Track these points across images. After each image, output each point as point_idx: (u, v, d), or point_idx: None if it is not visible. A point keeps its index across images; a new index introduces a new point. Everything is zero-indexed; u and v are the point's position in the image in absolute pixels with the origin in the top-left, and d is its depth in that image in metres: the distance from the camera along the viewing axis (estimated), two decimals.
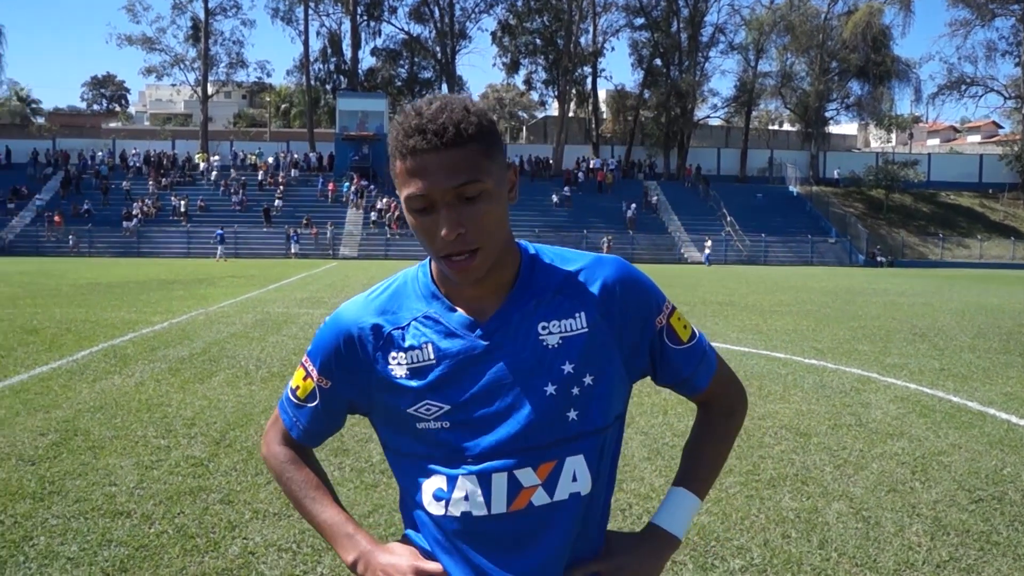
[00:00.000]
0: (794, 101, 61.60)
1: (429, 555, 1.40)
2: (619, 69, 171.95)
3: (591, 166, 56.19)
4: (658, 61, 61.34)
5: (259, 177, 51.90)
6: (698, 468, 1.54)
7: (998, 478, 5.09)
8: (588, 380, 1.36)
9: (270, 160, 54.01)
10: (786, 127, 69.67)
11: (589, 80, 62.69)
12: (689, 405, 6.26)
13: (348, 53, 61.01)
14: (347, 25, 60.41)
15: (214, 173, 52.13)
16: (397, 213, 46.80)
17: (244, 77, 63.66)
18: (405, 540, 1.46)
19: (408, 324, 1.38)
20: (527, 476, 1.33)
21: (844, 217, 51.89)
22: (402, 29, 63.08)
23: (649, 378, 1.49)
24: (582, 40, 60.02)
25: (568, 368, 1.34)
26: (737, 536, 4.08)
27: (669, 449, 5.64)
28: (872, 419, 6.68)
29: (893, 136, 71.89)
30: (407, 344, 1.37)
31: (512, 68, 61.97)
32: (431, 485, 1.37)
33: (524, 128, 77.98)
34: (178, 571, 3.59)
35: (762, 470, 5.20)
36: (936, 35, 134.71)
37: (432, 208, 1.25)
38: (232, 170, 52.64)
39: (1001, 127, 73.61)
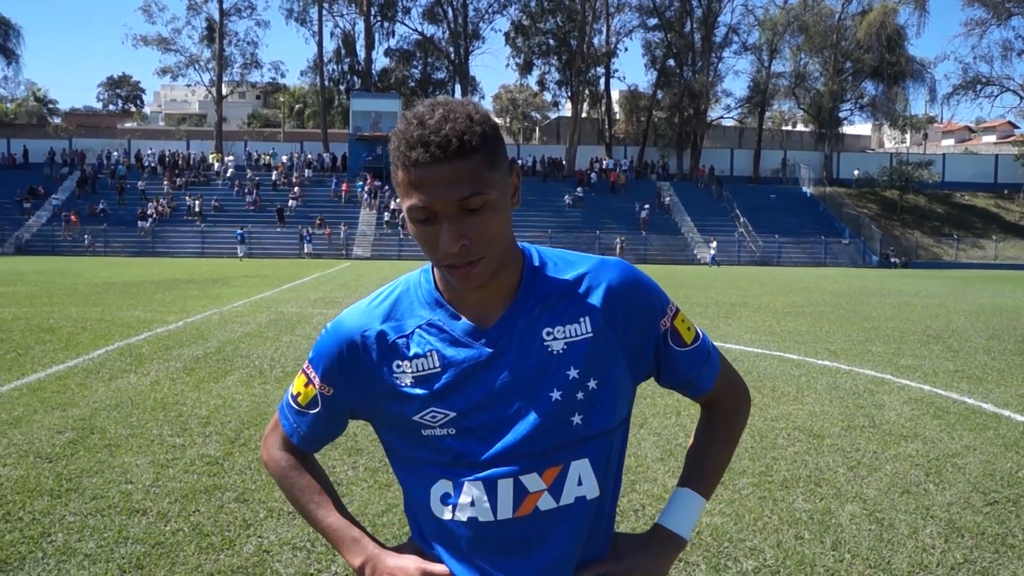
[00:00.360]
0: (808, 101, 61.31)
1: (435, 559, 1.40)
2: (632, 70, 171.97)
3: (604, 167, 56.10)
4: (671, 61, 61.20)
5: (273, 177, 52.13)
6: (703, 468, 1.54)
7: (1013, 480, 5.06)
8: (593, 384, 1.36)
9: (284, 159, 54.24)
10: (799, 128, 69.37)
11: (602, 81, 62.67)
12: None
13: (362, 54, 61.24)
14: (361, 26, 60.66)
15: (230, 171, 52.41)
16: None
17: (258, 78, 64.13)
18: (411, 544, 1.46)
19: (412, 332, 1.37)
20: (533, 481, 1.33)
21: (858, 218, 51.61)
22: (415, 30, 63.25)
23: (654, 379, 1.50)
24: (595, 41, 59.99)
25: (573, 373, 1.34)
26: (750, 537, 4.08)
27: (682, 450, 5.63)
28: (886, 421, 6.66)
29: (907, 136, 71.44)
30: (412, 352, 1.36)
31: (525, 69, 61.94)
32: (437, 490, 1.37)
33: (537, 129, 78.02)
34: (194, 569, 3.62)
35: (775, 471, 5.19)
36: (951, 35, 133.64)
37: (434, 219, 1.23)
38: (248, 170, 52.89)
39: (1017, 127, 73.09)
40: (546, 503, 1.34)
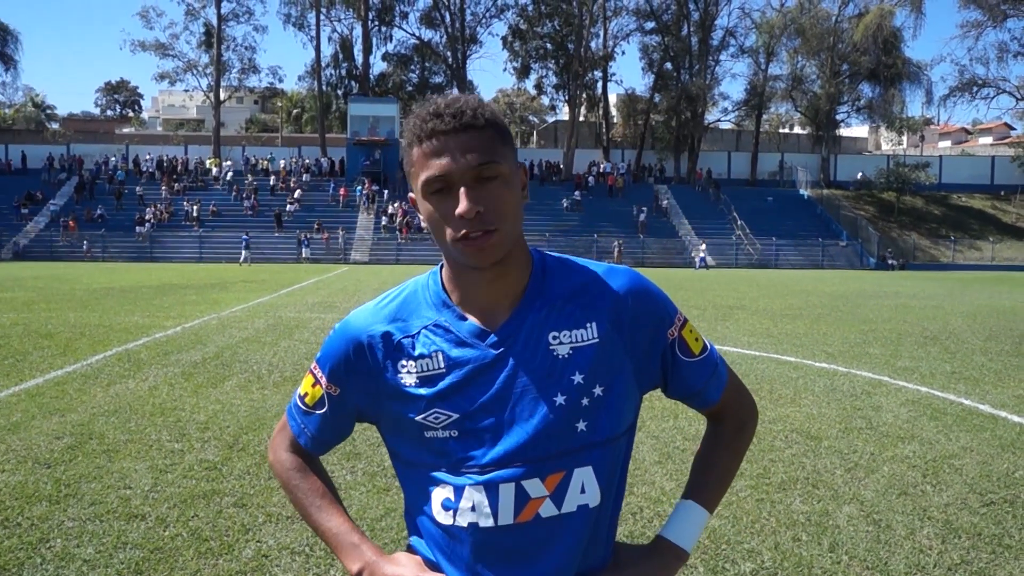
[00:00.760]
0: (805, 104, 61.41)
1: (434, 566, 1.39)
2: (629, 73, 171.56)
3: (602, 170, 56.12)
4: (668, 65, 61.23)
5: (271, 182, 52.14)
6: (708, 481, 1.53)
7: (1010, 481, 5.08)
8: (598, 391, 1.35)
9: (282, 163, 54.25)
10: (797, 130, 69.44)
11: (600, 84, 62.66)
12: None
13: (359, 58, 61.21)
14: (358, 30, 60.67)
15: (230, 174, 52.41)
16: (407, 219, 46.96)
17: (256, 83, 64.01)
18: (410, 550, 1.46)
19: (418, 332, 1.38)
20: (535, 487, 1.32)
21: (855, 220, 51.65)
22: (413, 34, 63.44)
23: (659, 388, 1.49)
24: (592, 44, 60.01)
25: (578, 378, 1.34)
26: (748, 539, 4.09)
27: (680, 453, 5.65)
28: (883, 422, 6.67)
29: (904, 138, 71.57)
30: (417, 352, 1.36)
31: (523, 73, 61.99)
32: (439, 495, 1.36)
33: (535, 133, 77.98)
34: (192, 573, 3.63)
35: (773, 473, 5.20)
36: (947, 37, 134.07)
37: (449, 190, 1.26)
38: (249, 175, 52.89)
39: (1013, 128, 73.15)
40: (548, 510, 1.33)
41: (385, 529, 4.17)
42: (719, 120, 65.90)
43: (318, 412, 1.48)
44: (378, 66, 64.54)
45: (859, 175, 58.10)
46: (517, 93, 77.47)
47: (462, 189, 1.25)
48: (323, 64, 61.10)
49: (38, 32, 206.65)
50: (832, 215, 52.56)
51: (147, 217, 46.46)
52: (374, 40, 61.32)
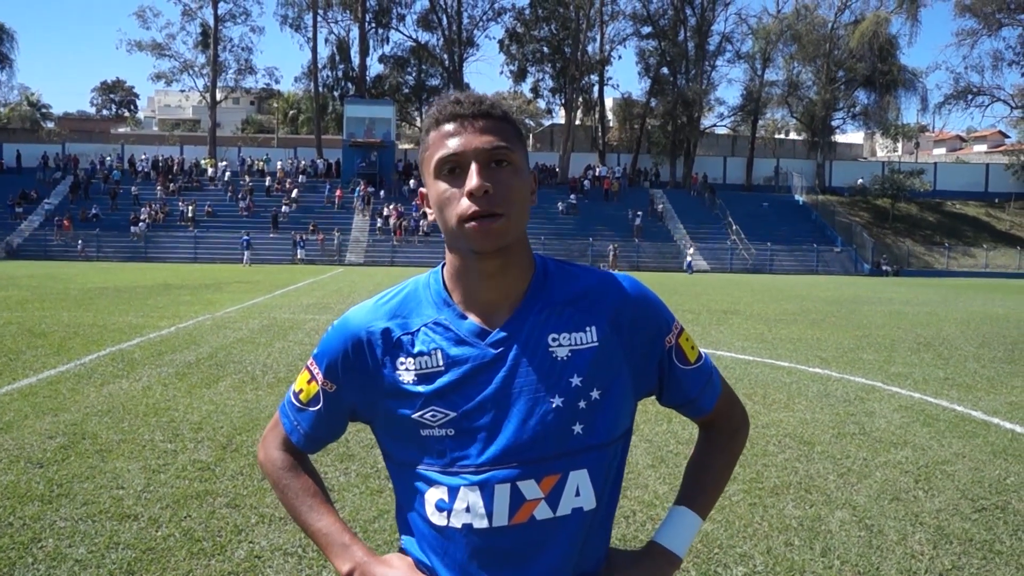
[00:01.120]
0: (800, 110, 61.62)
1: (426, 567, 1.38)
2: (626, 77, 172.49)
3: (597, 174, 56.20)
4: (665, 70, 61.38)
5: (266, 183, 52.09)
6: (701, 488, 1.54)
7: (1001, 487, 5.10)
8: (595, 394, 1.36)
9: (279, 164, 54.22)
10: (792, 136, 69.62)
11: (596, 88, 62.78)
12: None
13: (356, 60, 61.23)
14: (355, 32, 60.74)
15: (227, 174, 52.34)
16: (402, 221, 46.94)
17: (252, 83, 64.03)
18: (401, 551, 1.45)
19: (418, 330, 1.37)
20: (530, 488, 1.32)
21: (850, 226, 51.82)
22: (410, 36, 63.33)
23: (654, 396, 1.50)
24: (589, 48, 60.13)
25: (576, 381, 1.34)
26: (740, 544, 4.10)
27: (673, 456, 5.66)
28: (876, 428, 6.69)
29: (899, 145, 71.80)
30: (416, 350, 1.36)
31: (519, 76, 62.00)
32: (433, 496, 1.36)
33: (531, 136, 78.04)
34: (185, 574, 3.62)
35: (765, 478, 5.21)
36: (943, 44, 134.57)
37: (462, 171, 1.29)
38: (246, 176, 52.83)
39: (1007, 136, 73.47)
40: (543, 512, 1.33)
41: (378, 531, 4.17)
42: (715, 125, 66.13)
43: (312, 409, 1.47)
44: (375, 68, 64.81)
45: (859, 181, 58.25)
46: (513, 96, 77.48)
47: (474, 166, 1.28)
48: (320, 66, 61.14)
49: (34, 31, 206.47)
50: (827, 221, 52.71)
51: (142, 217, 46.39)
52: (371, 42, 61.41)
